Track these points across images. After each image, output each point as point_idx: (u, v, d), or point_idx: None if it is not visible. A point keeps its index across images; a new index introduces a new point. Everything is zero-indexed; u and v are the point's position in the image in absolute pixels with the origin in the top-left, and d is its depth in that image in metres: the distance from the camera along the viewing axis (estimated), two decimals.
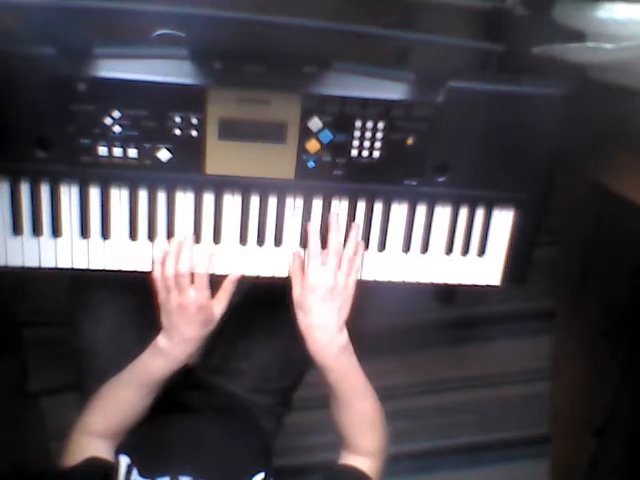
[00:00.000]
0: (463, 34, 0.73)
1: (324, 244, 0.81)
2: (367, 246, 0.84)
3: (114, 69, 0.70)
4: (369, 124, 0.76)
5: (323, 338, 0.78)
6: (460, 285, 0.89)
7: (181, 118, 0.73)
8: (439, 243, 0.86)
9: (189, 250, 0.78)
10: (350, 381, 0.80)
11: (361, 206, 0.82)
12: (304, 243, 0.83)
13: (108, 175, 0.76)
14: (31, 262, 0.79)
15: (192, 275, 0.77)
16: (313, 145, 0.76)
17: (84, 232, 0.78)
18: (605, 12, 0.69)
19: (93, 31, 0.70)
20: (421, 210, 0.84)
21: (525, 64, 0.80)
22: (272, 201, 0.81)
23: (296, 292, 0.80)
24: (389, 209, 0.83)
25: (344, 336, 0.79)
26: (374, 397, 0.82)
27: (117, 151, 0.74)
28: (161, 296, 0.78)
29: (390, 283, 0.87)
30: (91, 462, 0.77)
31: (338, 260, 0.80)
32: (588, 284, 1.49)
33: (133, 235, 0.80)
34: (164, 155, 0.75)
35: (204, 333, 0.79)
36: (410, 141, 0.78)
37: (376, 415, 0.82)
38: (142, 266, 0.81)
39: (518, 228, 0.86)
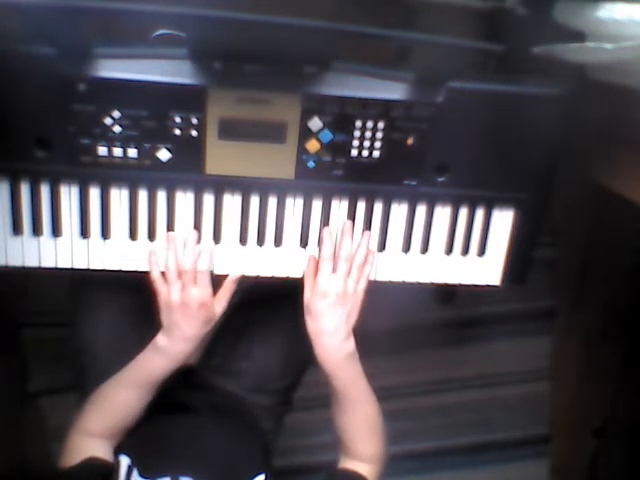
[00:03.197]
0: (463, 34, 0.73)
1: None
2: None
3: (114, 69, 0.70)
4: (369, 124, 0.76)
5: (331, 344, 0.78)
6: (460, 285, 0.89)
7: (181, 118, 0.73)
8: (439, 243, 0.86)
9: (191, 247, 0.78)
10: (355, 388, 0.81)
11: (361, 206, 0.82)
12: (304, 243, 0.83)
13: (108, 175, 0.76)
14: (31, 262, 0.79)
15: (193, 273, 0.77)
16: (313, 145, 0.76)
17: (84, 232, 0.78)
18: (605, 12, 0.69)
19: (93, 31, 0.70)
20: (421, 210, 0.84)
21: (525, 64, 0.80)
22: (272, 201, 0.81)
23: (306, 295, 0.80)
24: (389, 209, 0.83)
25: (351, 343, 0.80)
26: (376, 404, 0.82)
27: (117, 151, 0.74)
28: (162, 294, 0.78)
29: (390, 283, 0.87)
30: (90, 463, 0.77)
31: (349, 267, 0.80)
32: (588, 284, 1.49)
33: (133, 235, 0.80)
34: (164, 155, 0.75)
35: (204, 331, 0.80)
36: (410, 141, 0.78)
37: (377, 421, 0.83)
38: (142, 266, 0.81)
39: (518, 228, 0.86)
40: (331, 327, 0.78)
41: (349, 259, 0.80)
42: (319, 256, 0.81)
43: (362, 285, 0.80)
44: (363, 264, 0.81)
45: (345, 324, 0.79)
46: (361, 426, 0.82)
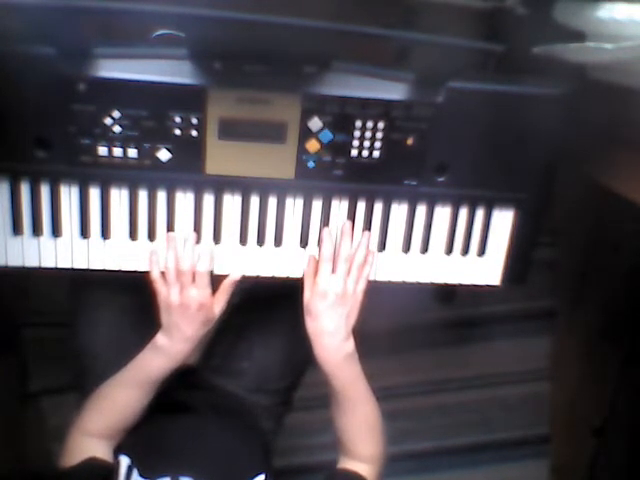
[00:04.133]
0: (463, 34, 0.73)
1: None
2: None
3: (114, 69, 0.70)
4: (369, 124, 0.76)
5: (331, 344, 0.78)
6: (460, 285, 0.89)
7: (181, 118, 0.73)
8: (439, 243, 0.86)
9: (191, 248, 0.78)
10: (354, 388, 0.81)
11: (361, 206, 0.82)
12: (304, 243, 0.83)
13: (108, 175, 0.76)
14: (31, 262, 0.79)
15: (193, 274, 0.77)
16: (313, 145, 0.76)
17: (84, 232, 0.78)
18: (605, 12, 0.69)
19: (93, 31, 0.70)
20: (421, 210, 0.84)
21: (525, 64, 0.80)
22: (272, 201, 0.81)
23: (306, 295, 0.80)
24: (389, 209, 0.83)
25: (351, 344, 0.80)
26: (375, 404, 0.82)
27: (117, 151, 0.74)
28: (161, 294, 0.78)
29: (390, 283, 0.87)
30: (90, 463, 0.77)
31: (348, 267, 0.80)
32: (588, 284, 1.49)
33: (133, 235, 0.80)
34: (164, 155, 0.75)
35: (203, 331, 0.80)
36: (410, 141, 0.78)
37: (377, 422, 0.83)
38: (142, 266, 0.81)
39: (518, 228, 0.86)
40: (330, 327, 0.78)
41: (349, 259, 0.80)
42: (319, 256, 0.81)
43: (362, 285, 0.80)
44: (363, 264, 0.81)
45: (345, 324, 0.79)
46: (361, 426, 0.82)
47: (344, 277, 0.79)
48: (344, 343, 0.79)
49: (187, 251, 0.78)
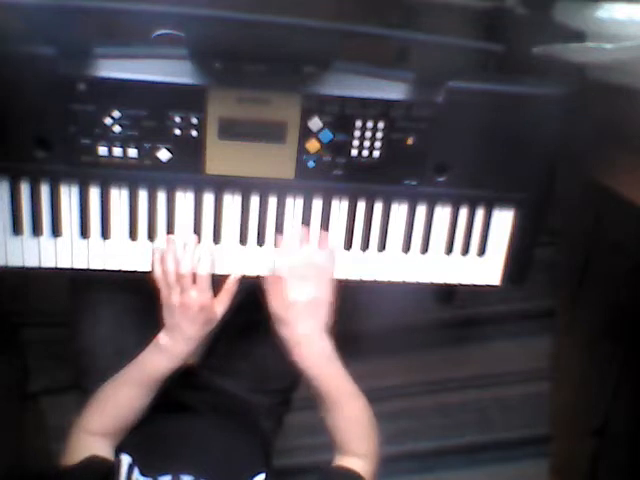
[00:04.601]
0: (463, 34, 0.73)
1: None
2: (367, 246, 0.85)
3: (114, 69, 0.70)
4: (369, 124, 0.76)
5: (308, 348, 0.79)
6: (460, 285, 0.89)
7: (181, 118, 0.73)
8: (439, 243, 0.86)
9: (191, 251, 0.78)
10: (338, 387, 0.80)
11: (361, 206, 0.82)
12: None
13: (108, 175, 0.76)
14: (31, 262, 0.79)
15: (194, 276, 0.78)
16: (313, 145, 0.76)
17: (84, 232, 0.78)
18: (605, 12, 0.69)
19: (93, 31, 0.70)
20: (421, 210, 0.84)
21: (525, 64, 0.80)
22: (272, 201, 0.81)
23: (274, 305, 0.80)
24: (389, 209, 0.83)
25: (328, 345, 0.80)
26: (363, 400, 0.82)
27: (117, 151, 0.74)
28: (163, 294, 0.78)
29: (390, 283, 0.87)
30: (91, 461, 0.77)
31: (313, 270, 0.79)
32: (588, 284, 1.49)
33: (133, 235, 0.80)
34: (164, 155, 0.75)
35: (205, 332, 0.80)
36: (410, 141, 0.78)
37: (367, 418, 0.82)
38: (142, 266, 0.81)
39: (518, 228, 0.86)
40: (305, 332, 0.78)
41: (311, 263, 0.80)
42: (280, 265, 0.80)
43: (326, 287, 0.80)
44: (323, 265, 0.80)
45: (318, 327, 0.78)
46: (351, 424, 0.82)
47: (308, 282, 0.79)
48: (321, 345, 0.79)
49: (187, 254, 0.78)
